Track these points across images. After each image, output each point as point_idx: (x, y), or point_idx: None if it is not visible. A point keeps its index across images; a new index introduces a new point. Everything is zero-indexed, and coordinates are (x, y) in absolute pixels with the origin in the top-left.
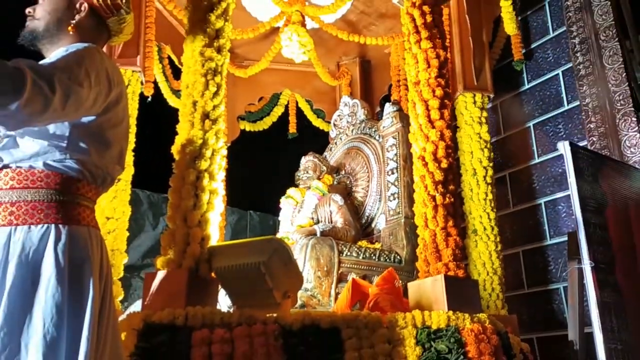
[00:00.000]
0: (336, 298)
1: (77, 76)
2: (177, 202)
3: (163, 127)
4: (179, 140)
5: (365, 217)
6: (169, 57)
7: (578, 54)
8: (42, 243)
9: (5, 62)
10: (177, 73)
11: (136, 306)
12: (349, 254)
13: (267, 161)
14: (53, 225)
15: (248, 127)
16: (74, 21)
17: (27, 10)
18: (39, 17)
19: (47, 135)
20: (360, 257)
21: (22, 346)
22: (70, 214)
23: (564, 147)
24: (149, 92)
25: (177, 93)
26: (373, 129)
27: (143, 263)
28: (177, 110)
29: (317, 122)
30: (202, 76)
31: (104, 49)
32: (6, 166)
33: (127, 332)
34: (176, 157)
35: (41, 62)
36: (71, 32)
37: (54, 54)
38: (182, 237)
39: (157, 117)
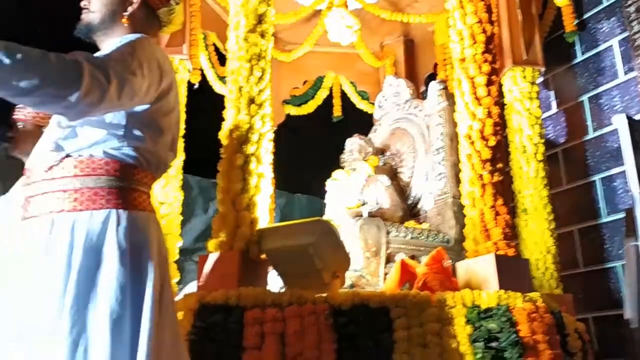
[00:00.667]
0: (385, 278)
1: (131, 66)
2: (226, 186)
3: (211, 113)
4: (226, 125)
5: (412, 198)
6: (214, 44)
7: (633, 23)
8: (104, 227)
9: (64, 55)
10: (222, 60)
11: (191, 287)
12: (396, 234)
13: (313, 144)
14: (114, 210)
15: (293, 111)
16: (127, 13)
17: (83, 3)
18: (94, 9)
19: (105, 124)
20: (408, 238)
21: (89, 324)
22: (129, 200)
23: (619, 121)
24: (196, 79)
25: (222, 79)
26: (418, 109)
27: (195, 247)
28: (223, 96)
29: (361, 104)
30: (246, 62)
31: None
32: (69, 155)
33: (184, 312)
34: (224, 142)
35: (96, 54)
36: (125, 24)
37: (108, 45)
38: (232, 220)
39: (205, 103)
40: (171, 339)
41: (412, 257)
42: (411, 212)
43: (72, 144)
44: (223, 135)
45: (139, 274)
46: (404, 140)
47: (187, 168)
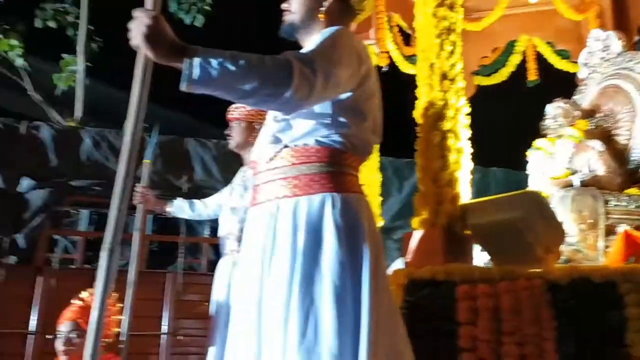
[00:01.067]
0: (605, 252)
1: (333, 59)
2: (426, 164)
3: (398, 94)
4: (420, 104)
5: (632, 162)
6: (398, 25)
7: None
8: (321, 210)
9: (276, 57)
10: (406, 40)
11: (397, 264)
12: (617, 203)
13: (506, 114)
14: (329, 194)
15: (484, 81)
16: (323, 8)
17: (283, 5)
18: (294, 10)
19: (314, 115)
20: (632, 207)
21: (316, 296)
22: (340, 183)
23: None
24: (384, 62)
25: (409, 59)
26: (634, 62)
27: (393, 225)
28: (410, 76)
29: (561, 65)
30: (436, 37)
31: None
32: (286, 146)
33: (394, 287)
34: (419, 120)
35: (302, 50)
36: (322, 19)
37: (310, 41)
38: (434, 197)
39: (392, 85)
40: (388, 311)
41: (638, 228)
42: (631, 178)
43: (287, 136)
44: (417, 114)
45: (355, 252)
46: (617, 99)
47: (381, 149)
